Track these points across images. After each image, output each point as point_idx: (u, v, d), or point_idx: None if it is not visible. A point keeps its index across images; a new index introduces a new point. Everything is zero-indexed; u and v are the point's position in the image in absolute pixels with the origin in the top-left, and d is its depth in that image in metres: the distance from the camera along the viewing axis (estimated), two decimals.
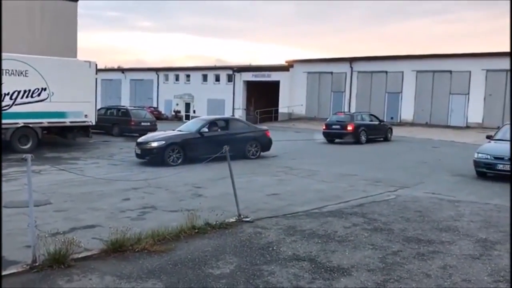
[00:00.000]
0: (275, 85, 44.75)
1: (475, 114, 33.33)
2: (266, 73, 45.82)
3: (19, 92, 16.28)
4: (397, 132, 24.77)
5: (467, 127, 32.78)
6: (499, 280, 4.75)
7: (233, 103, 47.74)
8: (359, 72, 39.67)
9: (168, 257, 5.44)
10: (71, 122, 18.04)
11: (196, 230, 6.40)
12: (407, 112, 36.40)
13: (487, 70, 33.07)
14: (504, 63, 31.43)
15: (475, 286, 4.59)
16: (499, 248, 5.74)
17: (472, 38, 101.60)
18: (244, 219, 7.08)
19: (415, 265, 5.18)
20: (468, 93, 34.12)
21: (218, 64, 51.85)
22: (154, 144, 14.22)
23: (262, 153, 16.14)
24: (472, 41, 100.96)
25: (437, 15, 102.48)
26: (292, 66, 43.89)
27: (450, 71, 34.87)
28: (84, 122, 18.42)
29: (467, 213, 7.92)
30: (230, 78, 48.46)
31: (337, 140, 22.97)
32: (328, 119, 25.29)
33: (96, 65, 18.91)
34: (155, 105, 50.94)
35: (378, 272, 4.96)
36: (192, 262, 5.29)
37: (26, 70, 16.48)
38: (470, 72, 34.01)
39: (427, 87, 36.12)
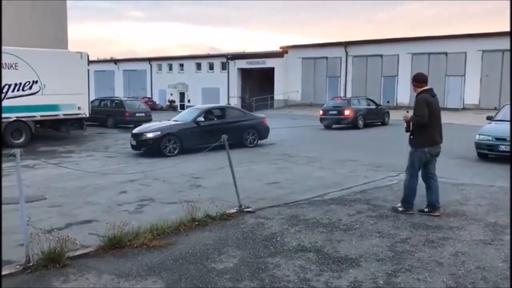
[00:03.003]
0: (270, 72, 44.39)
1: (472, 96, 33.19)
2: (261, 60, 45.42)
3: (9, 85, 15.93)
4: (394, 116, 24.53)
5: (464, 108, 32.65)
6: None
7: (228, 91, 47.38)
8: (354, 56, 39.35)
9: (168, 252, 5.22)
10: (64, 114, 17.73)
11: (197, 223, 6.18)
12: (403, 95, 36.16)
13: (483, 51, 32.86)
14: (500, 44, 31.23)
15: (491, 273, 4.40)
16: (509, 232, 5.55)
17: (467, 19, 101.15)
18: (245, 210, 6.86)
19: (426, 253, 4.98)
20: (464, 75, 33.94)
21: (212, 52, 51.29)
22: (150, 135, 13.96)
23: (259, 141, 15.91)
24: (467, 22, 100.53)
25: None
26: (286, 52, 43.51)
27: (446, 53, 34.63)
28: (78, 114, 18.12)
29: (472, 196, 7.74)
30: (224, 66, 48.04)
31: (334, 126, 22.76)
32: (324, 105, 25.06)
33: (88, 56, 18.55)
34: (149, 95, 50.51)
35: (388, 262, 4.76)
36: (194, 256, 5.08)
37: (16, 63, 16.12)
38: (465, 53, 33.80)
39: (423, 70, 35.73)
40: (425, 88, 6.53)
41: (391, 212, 6.69)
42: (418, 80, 6.58)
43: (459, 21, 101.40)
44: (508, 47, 31.32)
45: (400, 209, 6.70)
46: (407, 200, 6.66)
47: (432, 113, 6.36)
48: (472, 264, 4.66)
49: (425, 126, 6.37)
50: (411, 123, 6.51)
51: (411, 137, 6.58)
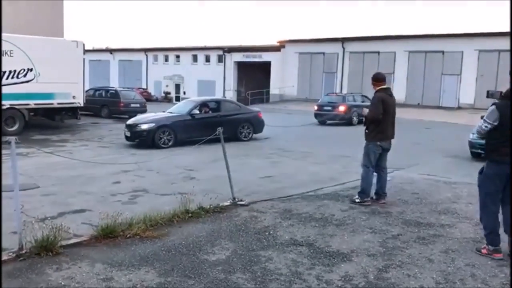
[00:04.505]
0: (267, 66, 44.32)
1: (467, 95, 33.31)
2: (257, 53, 45.32)
3: (4, 72, 15.82)
4: None
5: (459, 108, 32.79)
6: (503, 264, 4.62)
7: (223, 84, 47.28)
8: (351, 52, 39.37)
9: (161, 243, 5.24)
10: (58, 103, 17.65)
11: (190, 215, 6.20)
12: (399, 93, 36.12)
13: (480, 51, 32.95)
14: (496, 44, 31.33)
15: (480, 271, 4.46)
16: (499, 231, 5.61)
17: (464, 18, 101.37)
18: (239, 203, 6.89)
19: (417, 250, 5.04)
20: (460, 74, 34.06)
21: (208, 45, 51.10)
22: (144, 127, 13.93)
23: (254, 135, 15.93)
24: (464, 21, 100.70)
25: None
26: (283, 46, 43.42)
27: (442, 52, 34.72)
28: (72, 103, 18.04)
29: (464, 195, 7.80)
30: (220, 59, 47.90)
31: (329, 122, 22.81)
32: (319, 100, 25.10)
33: (84, 45, 18.43)
34: (144, 86, 50.32)
35: (379, 257, 4.81)
36: (186, 248, 5.10)
37: (11, 50, 16.00)
38: (462, 52, 33.88)
39: (419, 68, 35.98)
40: (382, 87, 7.04)
41: (352, 204, 6.99)
42: (377, 79, 7.10)
43: (456, 19, 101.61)
44: (504, 47, 31.44)
45: (357, 200, 7.06)
46: (364, 191, 7.07)
47: (386, 111, 6.85)
48: (462, 261, 4.72)
49: (379, 122, 6.87)
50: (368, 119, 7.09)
51: (366, 131, 7.11)
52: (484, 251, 4.90)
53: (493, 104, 4.81)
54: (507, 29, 33.29)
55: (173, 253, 4.96)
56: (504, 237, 4.90)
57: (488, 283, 4.20)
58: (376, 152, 7.05)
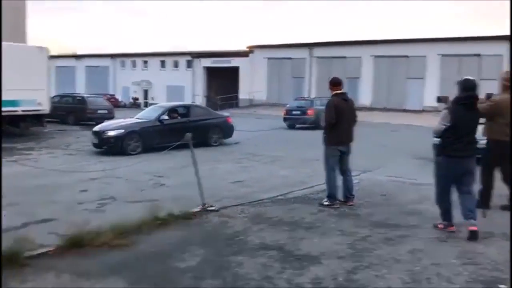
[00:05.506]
0: (236, 71, 44.41)
1: (431, 98, 34.17)
2: (226, 59, 45.38)
3: None
4: None
5: (423, 110, 33.63)
6: (467, 262, 4.76)
7: (193, 89, 47.09)
8: (318, 57, 39.93)
9: (130, 251, 5.17)
10: (23, 110, 17.25)
11: (159, 222, 6.13)
12: (365, 97, 36.97)
13: (442, 55, 33.94)
14: (457, 48, 32.39)
15: (444, 269, 4.58)
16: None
17: (427, 23, 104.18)
18: (209, 208, 6.86)
19: (385, 250, 5.14)
20: (424, 78, 34.97)
21: (176, 50, 50.80)
22: (112, 133, 13.74)
23: (224, 140, 15.92)
24: (427, 26, 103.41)
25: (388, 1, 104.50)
26: (252, 51, 43.63)
27: (407, 56, 35.58)
28: (38, 110, 17.65)
29: (429, 196, 7.94)
30: (189, 64, 47.75)
31: (297, 126, 23.02)
32: (288, 105, 25.33)
33: (48, 50, 18.06)
34: (112, 92, 49.58)
35: (348, 259, 4.88)
36: (156, 255, 5.05)
37: None
38: (425, 57, 34.82)
39: (384, 72, 36.79)
40: (337, 92, 7.23)
41: (322, 207, 7.08)
42: (334, 83, 7.30)
43: (420, 25, 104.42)
44: (465, 52, 32.52)
45: (326, 203, 7.16)
46: (331, 195, 7.19)
47: (341, 115, 7.02)
48: (428, 260, 4.84)
49: (334, 126, 7.04)
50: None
51: (324, 135, 7.27)
52: (440, 226, 5.93)
53: (446, 108, 5.73)
54: (470, 35, 34.43)
55: (142, 261, 4.90)
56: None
57: (453, 281, 4.32)
58: (335, 156, 7.19)
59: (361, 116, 10.86)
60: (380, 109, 34.79)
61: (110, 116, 22.97)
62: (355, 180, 9.35)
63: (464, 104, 5.59)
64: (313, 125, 22.40)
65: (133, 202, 7.67)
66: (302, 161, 12.27)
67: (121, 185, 9.12)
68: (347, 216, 6.63)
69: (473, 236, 5.47)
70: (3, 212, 4.86)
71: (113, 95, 47.04)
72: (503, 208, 6.76)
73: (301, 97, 29.51)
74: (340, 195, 7.35)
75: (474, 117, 5.70)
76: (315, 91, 38.62)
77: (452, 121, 5.54)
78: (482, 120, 6.35)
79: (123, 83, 50.89)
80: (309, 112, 22.68)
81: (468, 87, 5.66)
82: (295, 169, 10.97)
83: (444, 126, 5.59)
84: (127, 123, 14.49)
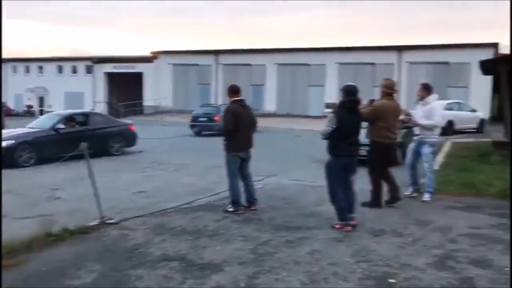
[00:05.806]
0: (139, 77, 43.30)
1: None
2: (129, 64, 44.07)
3: None
4: (261, 123, 25.47)
5: (324, 116, 35.18)
6: (361, 260, 5.02)
7: (93, 96, 45.06)
8: (224, 64, 40.21)
9: (19, 271, 4.78)
10: None
11: (53, 238, 5.74)
12: (270, 103, 37.94)
13: (339, 63, 35.87)
14: (353, 57, 34.45)
15: (341, 268, 4.79)
16: (359, 229, 6.11)
17: (326, 34, 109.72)
18: (107, 221, 6.55)
19: (285, 253, 5.25)
20: (324, 85, 36.68)
21: (75, 55, 48.36)
22: (2, 144, 12.65)
23: (127, 149, 15.40)
24: (326, 36, 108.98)
25: (291, 12, 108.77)
26: (156, 57, 42.83)
27: (308, 64, 37.11)
28: None
29: (328, 197, 8.34)
30: (89, 70, 45.66)
31: (204, 132, 22.94)
32: (194, 111, 25.17)
33: None
34: (3, 100, 45.83)
35: (250, 264, 4.92)
36: (48, 274, 4.71)
37: None
38: (325, 65, 36.57)
39: (287, 80, 38.03)
40: (235, 98, 7.37)
41: (226, 213, 7.10)
42: (232, 91, 7.45)
43: (319, 35, 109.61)
44: (359, 60, 34.65)
45: (231, 209, 7.22)
46: (234, 201, 7.28)
47: (239, 122, 7.10)
48: (325, 260, 5.03)
49: (233, 133, 7.11)
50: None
51: (224, 142, 7.37)
52: (337, 226, 6.20)
53: (332, 112, 6.23)
54: (365, 44, 36.69)
55: (32, 281, 4.55)
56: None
57: (348, 279, 4.53)
58: (236, 162, 7.28)
59: (266, 122, 11.19)
60: (284, 115, 35.85)
61: (0, 126, 21.17)
62: (258, 185, 9.54)
63: (348, 108, 6.14)
64: (220, 132, 22.43)
65: (24, 218, 7.13)
66: (208, 168, 12.22)
67: (11, 200, 8.39)
68: (250, 221, 6.70)
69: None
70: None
71: (4, 102, 43.54)
72: (363, 204, 7.24)
73: (208, 104, 29.50)
74: (243, 200, 7.42)
75: (356, 119, 6.26)
76: (221, 97, 38.83)
77: (337, 123, 6.02)
78: (365, 124, 6.96)
79: (16, 90, 47.28)
80: (216, 118, 22.68)
81: (350, 92, 6.21)
82: (200, 177, 10.90)
83: (330, 128, 6.07)
84: (18, 133, 13.45)
